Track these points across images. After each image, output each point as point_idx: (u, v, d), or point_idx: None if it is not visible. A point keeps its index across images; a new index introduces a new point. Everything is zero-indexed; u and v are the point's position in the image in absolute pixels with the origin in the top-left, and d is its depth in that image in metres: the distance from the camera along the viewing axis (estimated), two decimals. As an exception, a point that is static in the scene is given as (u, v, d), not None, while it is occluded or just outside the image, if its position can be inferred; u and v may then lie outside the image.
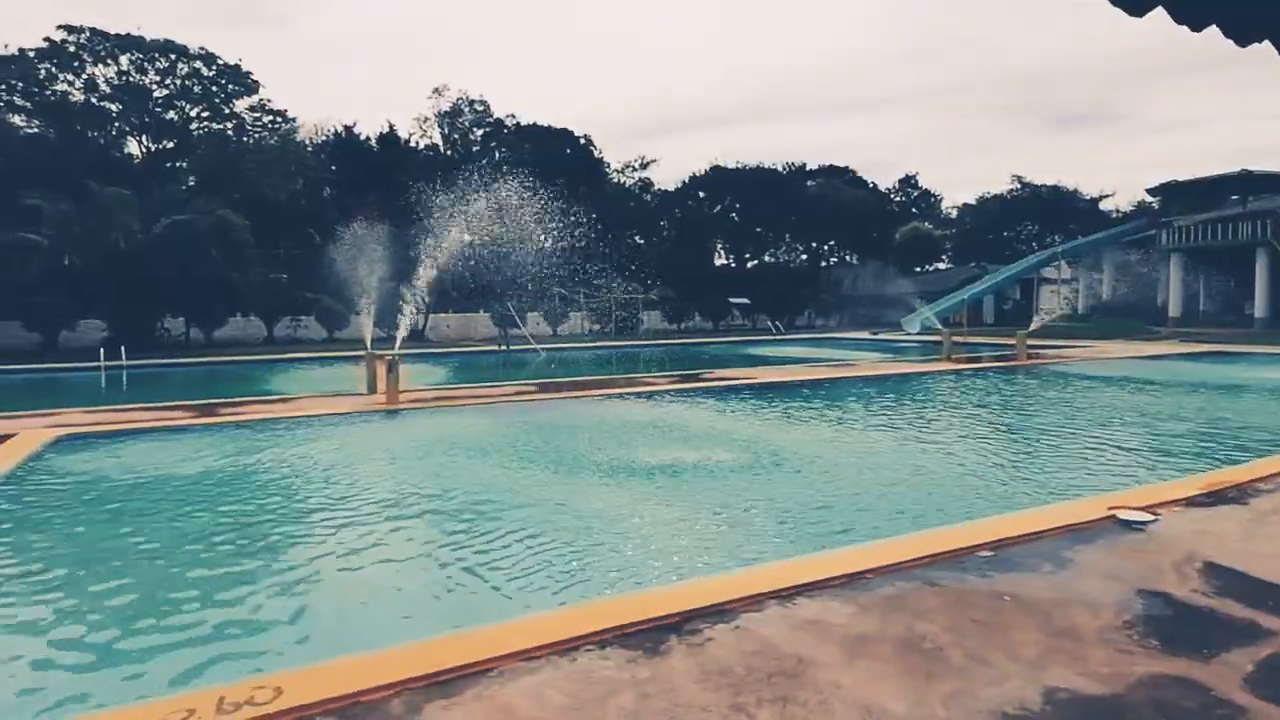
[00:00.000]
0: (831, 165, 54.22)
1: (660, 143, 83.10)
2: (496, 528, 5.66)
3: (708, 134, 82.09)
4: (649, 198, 49.31)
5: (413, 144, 44.91)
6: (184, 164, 36.07)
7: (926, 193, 59.48)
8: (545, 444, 9.24)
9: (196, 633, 3.97)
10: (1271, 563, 4.14)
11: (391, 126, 43.54)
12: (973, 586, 3.85)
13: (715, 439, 9.55)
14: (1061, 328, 30.20)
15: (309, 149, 39.32)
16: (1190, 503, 5.37)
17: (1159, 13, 2.09)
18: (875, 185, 54.97)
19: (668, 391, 13.40)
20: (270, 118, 37.62)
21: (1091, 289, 39.76)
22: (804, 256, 53.21)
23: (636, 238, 48.13)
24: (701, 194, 48.93)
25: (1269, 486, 5.82)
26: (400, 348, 14.53)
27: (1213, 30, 2.19)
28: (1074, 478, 7.39)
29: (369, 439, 9.56)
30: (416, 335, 31.56)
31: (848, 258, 52.17)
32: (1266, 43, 2.19)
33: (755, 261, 51.26)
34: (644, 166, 50.37)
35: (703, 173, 49.05)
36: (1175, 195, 36.67)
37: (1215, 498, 5.51)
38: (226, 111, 36.09)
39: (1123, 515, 4.92)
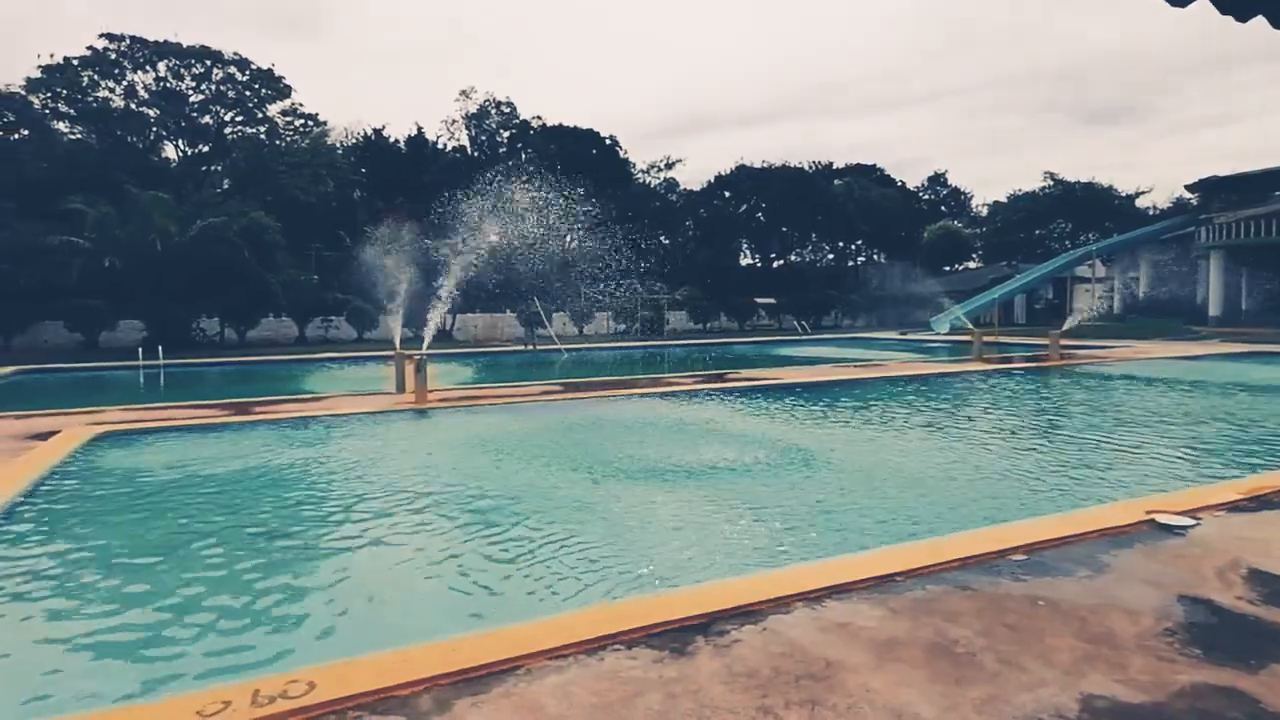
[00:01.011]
0: (859, 164, 53.83)
1: (686, 142, 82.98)
2: (524, 526, 5.69)
3: (734, 133, 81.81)
4: (674, 198, 49.34)
5: (440, 146, 45.44)
6: (218, 167, 36.88)
7: (956, 191, 58.69)
8: (570, 443, 9.27)
9: (232, 624, 4.05)
10: (1320, 570, 4.00)
11: (420, 129, 44.13)
12: (1006, 590, 3.77)
13: (739, 439, 9.50)
14: (1096, 327, 29.56)
15: (339, 152, 39.95)
16: (1233, 508, 5.22)
17: (1202, 5, 2.03)
18: (903, 184, 54.43)
19: (694, 391, 13.37)
20: (301, 121, 38.30)
21: (1128, 288, 38.86)
22: (830, 256, 52.84)
23: (662, 238, 48.20)
24: (727, 193, 48.84)
25: (1316, 491, 5.63)
26: (428, 347, 14.70)
27: (1258, 20, 2.12)
28: (1110, 480, 7.22)
29: (398, 437, 9.67)
30: (444, 335, 31.89)
31: (875, 257, 51.66)
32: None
33: (781, 261, 51.02)
34: (669, 166, 50.44)
35: (728, 172, 48.98)
36: (1215, 191, 35.70)
37: (1260, 503, 5.34)
38: (259, 116, 36.83)
39: (1161, 519, 4.80)
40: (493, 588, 4.60)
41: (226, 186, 35.83)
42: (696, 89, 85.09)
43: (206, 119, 35.96)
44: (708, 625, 3.37)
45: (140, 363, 19.19)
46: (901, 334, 32.87)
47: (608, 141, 46.72)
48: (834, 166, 53.34)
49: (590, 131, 46.18)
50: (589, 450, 8.83)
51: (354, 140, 43.47)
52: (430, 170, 40.64)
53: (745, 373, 16.57)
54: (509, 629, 3.37)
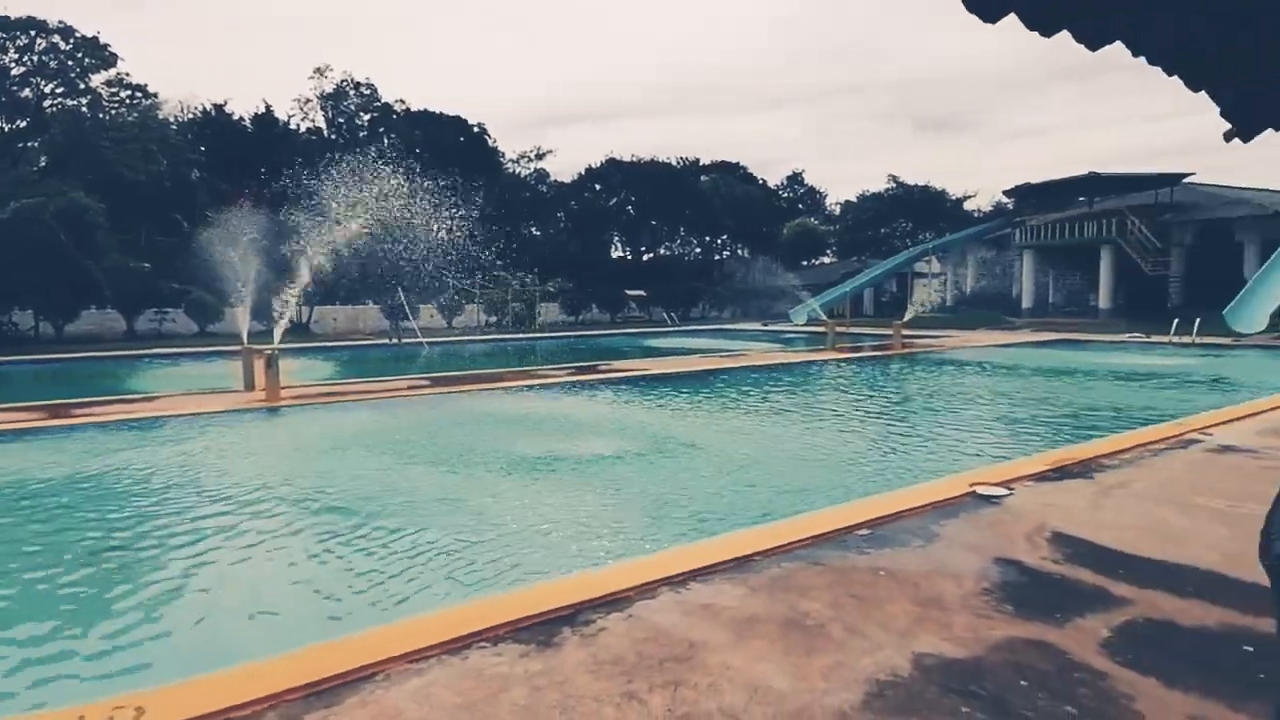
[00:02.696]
0: (724, 161, 55.54)
1: (556, 134, 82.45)
2: (386, 527, 5.47)
3: (603, 127, 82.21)
4: (545, 189, 48.87)
5: (293, 126, 42.44)
6: (35, 144, 32.61)
7: (812, 190, 62.01)
8: (437, 439, 9.00)
9: (54, 647, 3.63)
10: (1114, 532, 4.59)
11: (269, 106, 40.96)
12: (852, 563, 4.06)
13: (611, 429, 9.60)
14: (931, 318, 32.39)
15: (173, 127, 36.34)
16: (1041, 478, 5.89)
17: (1013, 19, 2.23)
18: (765, 182, 56.77)
19: (566, 383, 13.35)
20: (128, 93, 34.50)
21: (957, 283, 42.80)
22: (698, 250, 54.29)
23: (533, 229, 47.64)
24: (598, 186, 48.99)
25: (1112, 463, 6.45)
26: (281, 341, 13.74)
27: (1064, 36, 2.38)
28: (942, 456, 7.95)
29: (246, 438, 8.99)
30: (300, 329, 29.94)
31: (740, 251, 53.61)
32: (1118, 44, 2.40)
33: (651, 255, 51.86)
34: (540, 157, 49.87)
35: (599, 165, 49.09)
36: (1028, 196, 39.94)
37: (1062, 473, 6.06)
38: (82, 87, 32.89)
39: (981, 490, 5.34)
40: (351, 593, 4.39)
41: (44, 164, 31.72)
42: (566, 81, 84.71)
43: (26, 92, 31.79)
44: (574, 616, 3.39)
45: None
46: (764, 325, 34.41)
47: (476, 129, 45.47)
48: (700, 163, 54.77)
49: (457, 118, 44.75)
50: (457, 445, 8.61)
51: (191, 116, 39.69)
52: (281, 151, 37.86)
53: (617, 364, 16.75)
54: (365, 634, 3.23)
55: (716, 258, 53.86)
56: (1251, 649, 3.08)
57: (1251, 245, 28.66)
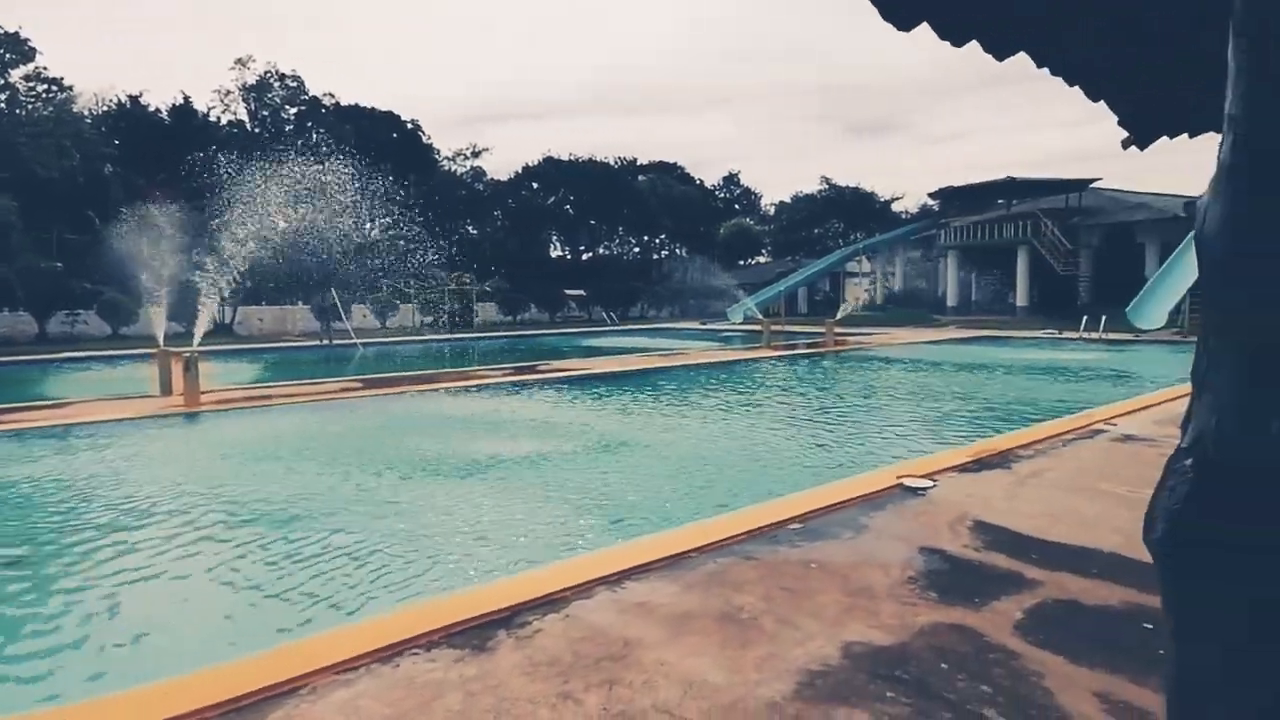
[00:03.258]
0: (661, 161, 55.92)
1: (492, 131, 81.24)
2: (315, 534, 5.31)
3: (540, 125, 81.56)
4: (481, 187, 48.23)
5: (213, 119, 40.67)
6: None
7: (748, 190, 63.06)
8: (370, 442, 8.77)
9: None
10: (1030, 520, 4.83)
11: (187, 98, 39.13)
12: (784, 557, 4.15)
13: (549, 430, 9.55)
14: (862, 316, 33.51)
15: (88, 121, 34.34)
16: (962, 469, 6.15)
17: (927, 29, 2.32)
18: (702, 182, 57.41)
19: (504, 384, 13.20)
20: (45, 87, 32.49)
21: (887, 282, 44.24)
22: (636, 250, 54.49)
23: (470, 227, 46.94)
24: (535, 185, 48.63)
25: (1027, 453, 6.79)
26: (201, 343, 13.16)
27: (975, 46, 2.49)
28: (872, 450, 8.21)
29: (162, 445, 8.57)
30: (223, 330, 28.72)
31: (678, 251, 54.07)
32: (1023, 55, 2.53)
33: (590, 254, 51.76)
34: (476, 155, 49.21)
35: (536, 163, 48.72)
36: (951, 199, 41.61)
37: (982, 464, 6.34)
38: (1, 83, 30.82)
39: (908, 483, 5.54)
40: (276, 605, 4.24)
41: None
42: (503, 79, 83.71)
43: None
44: (511, 618, 3.36)
45: None
46: (702, 324, 34.80)
47: (409, 125, 44.52)
48: (638, 163, 54.99)
49: (390, 114, 43.72)
50: (392, 448, 8.41)
51: (105, 109, 37.56)
52: (200, 144, 36.19)
53: (556, 364, 16.66)
54: (291, 646, 3.13)
55: (655, 257, 54.19)
56: (1150, 626, 3.29)
57: (1151, 247, 30.56)
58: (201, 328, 13.69)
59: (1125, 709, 2.63)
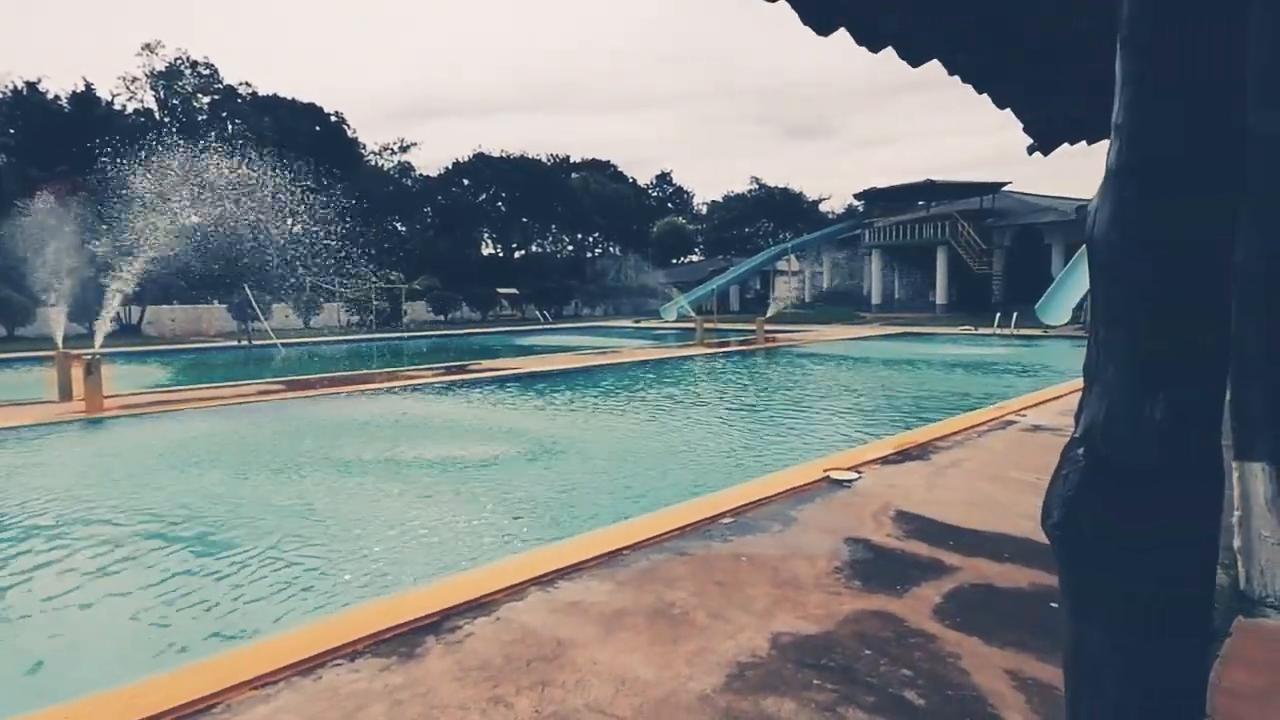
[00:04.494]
0: (594, 159, 55.82)
1: (421, 127, 79.39)
2: (229, 546, 5.07)
3: (471, 122, 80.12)
4: (410, 183, 47.02)
5: (118, 107, 38.34)
6: None
7: (680, 189, 63.58)
8: (290, 447, 8.44)
9: None
10: (948, 509, 5.04)
11: (89, 85, 36.72)
12: (716, 551, 4.21)
13: (480, 431, 9.40)
14: (791, 314, 34.32)
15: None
16: (885, 461, 6.37)
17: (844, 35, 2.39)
18: (635, 180, 57.57)
19: (434, 385, 12.92)
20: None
21: (815, 280, 45.41)
22: (570, 248, 54.23)
23: (398, 224, 45.70)
24: (466, 181, 47.73)
25: (946, 445, 7.08)
26: (105, 345, 12.41)
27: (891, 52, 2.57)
28: (801, 444, 8.41)
29: (59, 454, 8.04)
30: (130, 330, 27.12)
31: (611, 249, 54.08)
32: (937, 63, 2.63)
33: (523, 252, 51.19)
34: (404, 149, 47.95)
35: (467, 160, 47.86)
36: (875, 200, 43.04)
37: (903, 455, 6.58)
38: None
39: (834, 475, 5.70)
40: (187, 623, 4.03)
41: None
42: (431, 73, 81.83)
43: None
44: (440, 623, 3.30)
45: None
46: (635, 322, 34.92)
47: (333, 118, 42.94)
48: (571, 160, 54.71)
49: (312, 106, 42.08)
50: (313, 453, 8.11)
51: (-1, 95, 34.88)
52: (104, 134, 34.05)
53: (488, 363, 16.41)
54: (205, 662, 2.98)
55: (588, 255, 54.03)
56: (1056, 605, 3.49)
57: (1058, 247, 32.34)
58: (104, 328, 12.90)
59: (1034, 685, 2.78)
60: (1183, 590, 1.12)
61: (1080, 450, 1.21)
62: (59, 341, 13.00)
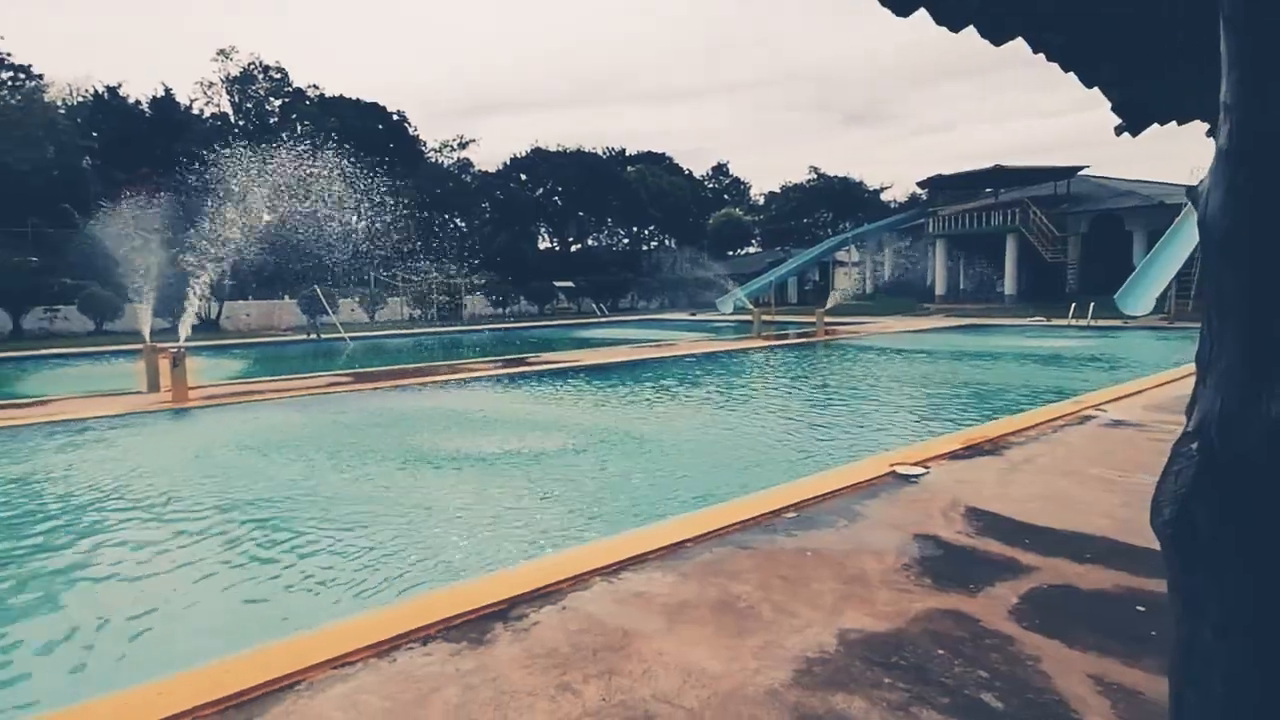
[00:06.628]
0: (650, 152, 55.71)
1: (479, 123, 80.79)
2: (309, 530, 5.28)
3: (527, 116, 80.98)
4: (469, 178, 47.88)
5: (195, 111, 40.19)
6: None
7: (737, 180, 62.91)
8: (362, 437, 8.72)
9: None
10: (1021, 505, 4.86)
11: (168, 90, 38.60)
12: (780, 546, 4.17)
13: (543, 422, 9.53)
14: (851, 306, 33.64)
15: (61, 111, 33.81)
16: (953, 456, 6.18)
17: (924, 14, 2.30)
18: (690, 172, 57.25)
19: (495, 377, 13.16)
20: (10, 75, 31.85)
21: (876, 271, 44.36)
22: (625, 241, 54.32)
23: (457, 220, 46.62)
24: (523, 176, 48.31)
25: (1018, 440, 6.83)
26: (188, 339, 13.05)
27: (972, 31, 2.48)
28: (865, 438, 8.23)
29: (150, 442, 8.49)
30: (209, 325, 28.43)
31: (667, 242, 53.96)
32: (1020, 41, 2.52)
33: (579, 245, 51.56)
34: (463, 146, 48.88)
35: (524, 155, 48.42)
36: (939, 188, 41.69)
37: (972, 450, 6.38)
38: None
39: (900, 470, 5.56)
40: (273, 601, 4.22)
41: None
42: (489, 69, 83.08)
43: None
44: (507, 611, 3.36)
45: None
46: (692, 315, 34.79)
47: (395, 117, 44.14)
48: (626, 153, 54.76)
49: (375, 105, 43.32)
50: (384, 443, 8.36)
51: (81, 99, 37.00)
52: (183, 138, 35.77)
53: (547, 356, 16.61)
54: (287, 642, 3.11)
55: (644, 248, 54.04)
56: (1143, 609, 3.33)
57: (1139, 234, 30.75)
58: (187, 323, 13.56)
59: (1119, 690, 2.66)
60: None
61: (1194, 445, 1.14)
62: (146, 335, 13.73)
